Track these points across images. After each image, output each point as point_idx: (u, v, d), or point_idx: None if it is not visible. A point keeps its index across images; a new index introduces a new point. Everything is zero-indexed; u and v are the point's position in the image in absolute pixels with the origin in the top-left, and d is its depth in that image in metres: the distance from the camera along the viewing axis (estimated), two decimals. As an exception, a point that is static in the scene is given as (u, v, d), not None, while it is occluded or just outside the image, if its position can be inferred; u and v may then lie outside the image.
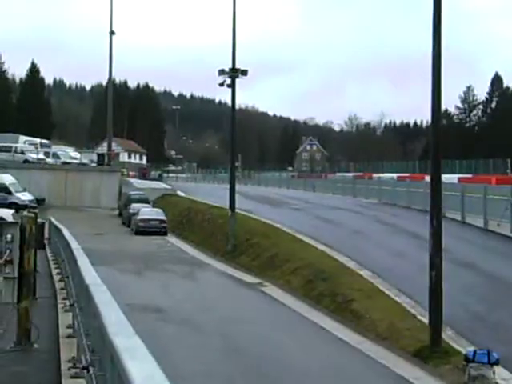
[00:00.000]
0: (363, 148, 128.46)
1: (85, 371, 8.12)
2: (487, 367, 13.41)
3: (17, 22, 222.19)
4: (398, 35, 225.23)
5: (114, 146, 76.19)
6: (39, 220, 23.89)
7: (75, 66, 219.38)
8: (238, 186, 38.46)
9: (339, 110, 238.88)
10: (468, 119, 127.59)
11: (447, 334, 16.14)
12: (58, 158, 63.81)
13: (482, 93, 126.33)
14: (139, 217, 42.73)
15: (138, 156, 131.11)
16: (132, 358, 3.93)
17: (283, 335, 17.53)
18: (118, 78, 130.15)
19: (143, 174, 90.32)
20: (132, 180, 74.27)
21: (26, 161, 59.43)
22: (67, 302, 15.14)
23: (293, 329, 18.66)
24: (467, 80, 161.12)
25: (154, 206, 49.01)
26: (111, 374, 4.93)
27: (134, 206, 46.45)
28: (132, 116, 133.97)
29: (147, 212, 44.32)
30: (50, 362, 11.20)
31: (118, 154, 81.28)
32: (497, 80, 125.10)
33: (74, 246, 15.46)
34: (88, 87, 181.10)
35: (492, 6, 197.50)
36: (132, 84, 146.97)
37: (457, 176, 67.30)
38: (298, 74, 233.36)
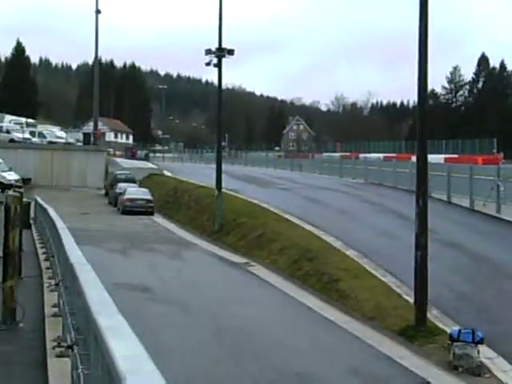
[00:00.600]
0: (350, 128, 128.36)
1: (69, 350, 8.10)
2: (472, 346, 13.52)
3: (2, 2, 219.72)
4: (388, 15, 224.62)
5: (100, 125, 75.83)
6: (25, 199, 23.83)
7: (61, 45, 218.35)
8: (224, 166, 38.38)
9: (327, 90, 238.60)
10: (454, 99, 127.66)
11: (432, 314, 16.22)
12: (44, 137, 63.54)
13: (468, 73, 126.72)
14: (126, 196, 42.62)
15: (124, 136, 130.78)
16: (115, 337, 3.91)
17: (270, 314, 17.56)
18: (105, 57, 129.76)
19: (132, 154, 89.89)
20: (118, 160, 74.21)
21: (11, 140, 59.16)
22: (53, 282, 15.09)
23: (279, 308, 18.70)
24: (454, 60, 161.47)
25: (140, 186, 48.91)
26: (95, 353, 4.91)
27: (121, 185, 46.30)
28: (118, 95, 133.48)
29: (134, 192, 44.20)
30: (36, 341, 11.18)
31: (104, 134, 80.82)
32: (483, 60, 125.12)
33: (60, 225, 15.43)
34: (74, 66, 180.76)
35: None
36: (118, 63, 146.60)
37: (443, 156, 67.45)
38: (286, 54, 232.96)
